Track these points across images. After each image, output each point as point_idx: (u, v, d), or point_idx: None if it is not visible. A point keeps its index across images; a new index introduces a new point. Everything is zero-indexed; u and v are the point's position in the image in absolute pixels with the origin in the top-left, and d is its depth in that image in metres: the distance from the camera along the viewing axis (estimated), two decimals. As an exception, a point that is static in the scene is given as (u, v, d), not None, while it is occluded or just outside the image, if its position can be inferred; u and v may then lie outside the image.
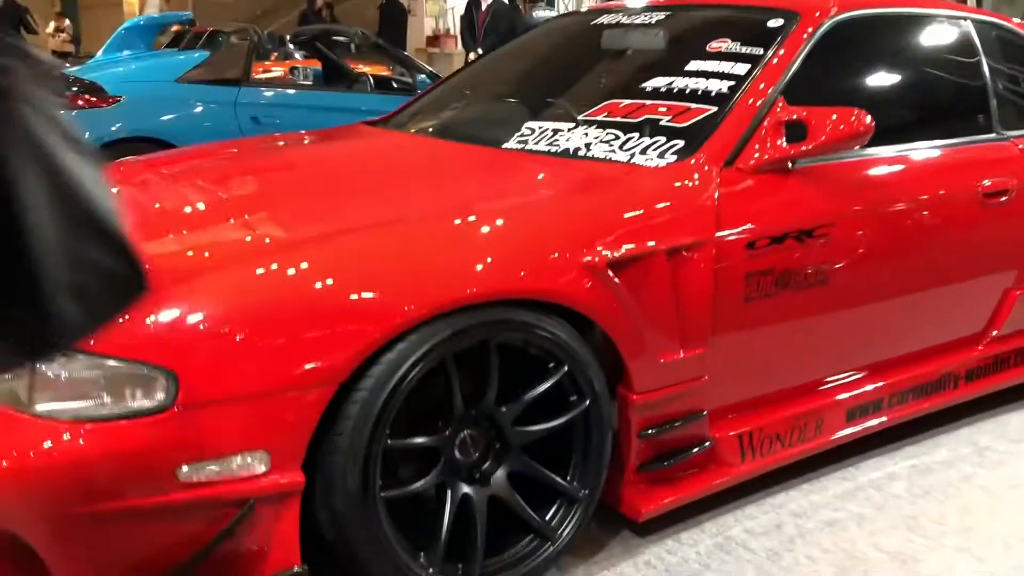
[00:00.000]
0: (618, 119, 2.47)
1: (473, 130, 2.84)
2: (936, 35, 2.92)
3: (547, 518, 2.02)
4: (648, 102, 2.49)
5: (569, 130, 2.51)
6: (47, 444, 1.57)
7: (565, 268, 1.92)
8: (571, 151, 2.41)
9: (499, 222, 2.00)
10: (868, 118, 2.22)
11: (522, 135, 2.57)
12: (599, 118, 2.51)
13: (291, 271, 1.76)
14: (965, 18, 2.97)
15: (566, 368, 1.94)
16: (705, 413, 2.24)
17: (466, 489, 1.92)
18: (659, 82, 2.56)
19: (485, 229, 1.97)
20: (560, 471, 2.03)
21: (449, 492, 1.89)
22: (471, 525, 1.91)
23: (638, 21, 2.97)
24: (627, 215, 2.07)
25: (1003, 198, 2.77)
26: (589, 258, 1.94)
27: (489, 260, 1.87)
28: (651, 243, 2.04)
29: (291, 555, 1.71)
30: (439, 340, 1.77)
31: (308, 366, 1.67)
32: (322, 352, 1.68)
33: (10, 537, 1.63)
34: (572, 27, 3.44)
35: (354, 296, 1.73)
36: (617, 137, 2.39)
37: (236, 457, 1.65)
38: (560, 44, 3.30)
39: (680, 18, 2.91)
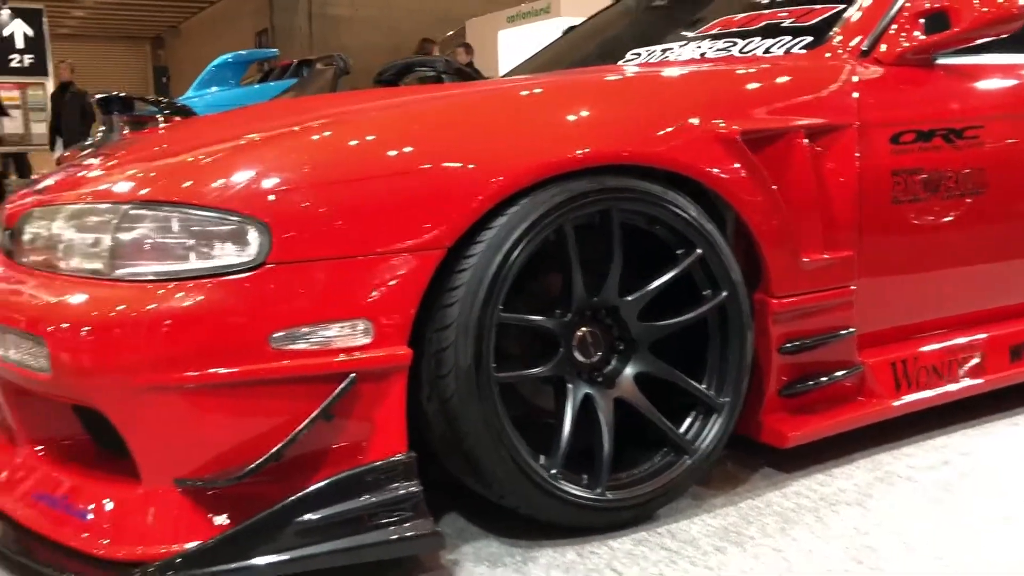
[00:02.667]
0: (734, 29, 2.29)
1: (577, 64, 2.68)
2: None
3: (682, 430, 1.76)
4: (766, 11, 2.30)
5: (680, 47, 2.33)
6: (126, 307, 1.41)
7: (693, 136, 1.71)
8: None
9: (618, 85, 1.82)
10: (1021, -1, 1.99)
11: (627, 60, 2.41)
12: (712, 32, 2.33)
13: (388, 128, 1.60)
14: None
15: (699, 252, 1.71)
16: (854, 331, 1.96)
17: (588, 389, 1.68)
18: (774, -5, 2.38)
19: (602, 91, 1.79)
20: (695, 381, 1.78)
21: (570, 388, 1.66)
22: (597, 435, 1.67)
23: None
24: (761, 91, 1.86)
25: None
26: (720, 127, 1.73)
27: (607, 121, 1.68)
28: (789, 120, 1.83)
29: (396, 441, 1.50)
30: (554, 204, 1.57)
31: (412, 228, 1.49)
32: (427, 214, 1.50)
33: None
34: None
35: (458, 155, 1.55)
36: (735, 43, 2.20)
37: (335, 324, 1.45)
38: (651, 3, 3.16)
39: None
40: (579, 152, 1.61)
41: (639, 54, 2.40)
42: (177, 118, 4.71)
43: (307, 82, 5.41)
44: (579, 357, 1.69)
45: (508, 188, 1.56)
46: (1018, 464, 1.96)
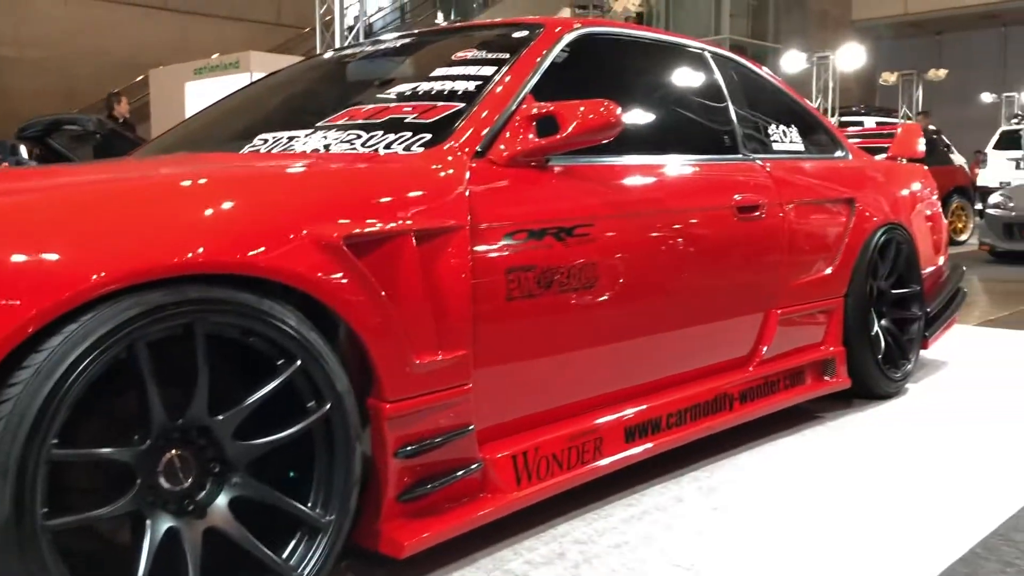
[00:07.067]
0: (359, 121, 2.26)
1: (204, 146, 2.53)
2: (680, 61, 2.96)
3: (285, 556, 1.64)
4: (392, 104, 2.30)
5: (306, 136, 2.26)
6: None
7: (290, 240, 1.62)
8: (307, 152, 2.16)
9: (202, 186, 1.69)
10: (618, 109, 2.13)
11: (254, 145, 2.30)
12: (339, 123, 2.29)
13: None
14: (704, 50, 3.06)
15: (298, 363, 1.62)
16: (472, 428, 1.97)
17: (171, 523, 1.51)
18: (404, 88, 2.40)
19: (182, 193, 1.65)
20: (302, 498, 1.68)
21: (148, 523, 1.48)
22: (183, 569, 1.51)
23: (383, 47, 2.84)
24: (367, 193, 1.82)
25: (756, 212, 2.78)
26: (321, 232, 1.66)
27: (187, 224, 1.54)
28: (396, 223, 1.80)
29: (-95, 616, 1.24)
30: (124, 321, 1.41)
31: (-66, 354, 1.26)
32: (-44, 335, 1.28)
33: None
34: (317, 64, 3.24)
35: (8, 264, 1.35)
36: (359, 136, 2.16)
37: None
38: (303, 78, 3.09)
39: (428, 40, 2.82)
40: (161, 260, 1.46)
41: (266, 140, 2.30)
42: None
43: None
44: (166, 485, 1.52)
45: (70, 302, 1.37)
46: (627, 545, 2.05)
